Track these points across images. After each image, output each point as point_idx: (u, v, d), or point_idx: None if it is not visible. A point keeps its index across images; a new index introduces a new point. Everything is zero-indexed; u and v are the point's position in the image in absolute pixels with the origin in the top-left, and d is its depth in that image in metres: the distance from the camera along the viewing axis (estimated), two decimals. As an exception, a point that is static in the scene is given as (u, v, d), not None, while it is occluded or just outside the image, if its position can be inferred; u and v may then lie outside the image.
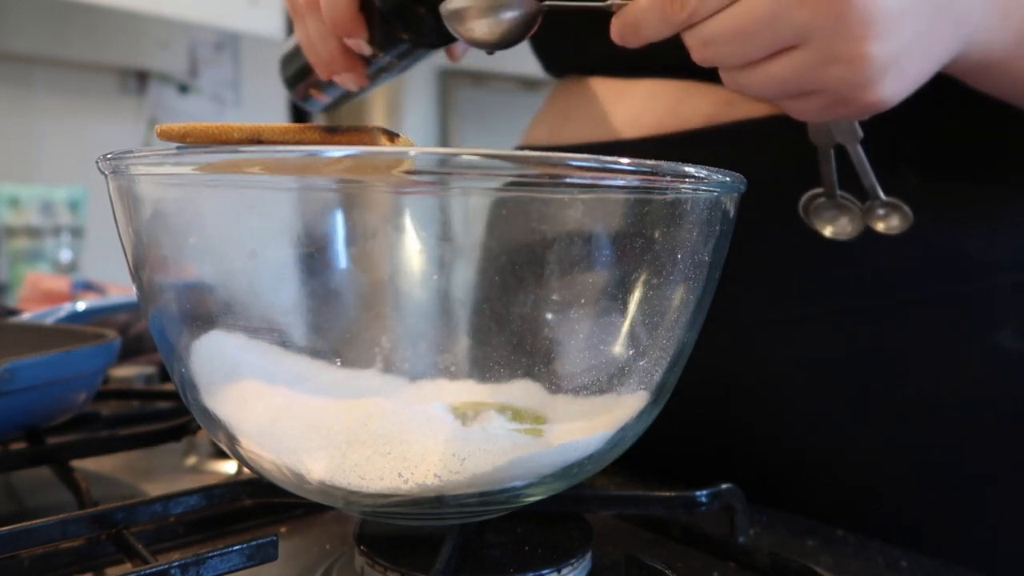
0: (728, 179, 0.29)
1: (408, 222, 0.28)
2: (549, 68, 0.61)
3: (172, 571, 0.29)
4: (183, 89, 2.14)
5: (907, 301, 0.46)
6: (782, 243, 0.47)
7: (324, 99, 0.53)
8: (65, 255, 1.54)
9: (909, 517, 0.47)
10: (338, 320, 0.29)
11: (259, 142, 0.27)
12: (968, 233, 0.45)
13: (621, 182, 0.27)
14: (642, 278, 0.29)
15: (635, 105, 0.51)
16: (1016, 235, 0.45)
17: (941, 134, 0.45)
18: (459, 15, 0.35)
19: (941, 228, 0.45)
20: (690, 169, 0.28)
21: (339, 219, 0.27)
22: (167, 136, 0.28)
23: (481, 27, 0.35)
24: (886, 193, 0.42)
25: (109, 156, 0.28)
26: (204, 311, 0.29)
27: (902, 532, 0.46)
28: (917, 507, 0.47)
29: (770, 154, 0.45)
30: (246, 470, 0.38)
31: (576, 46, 0.56)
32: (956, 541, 0.47)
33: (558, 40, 0.58)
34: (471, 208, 0.28)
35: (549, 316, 0.29)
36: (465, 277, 0.30)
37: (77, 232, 1.57)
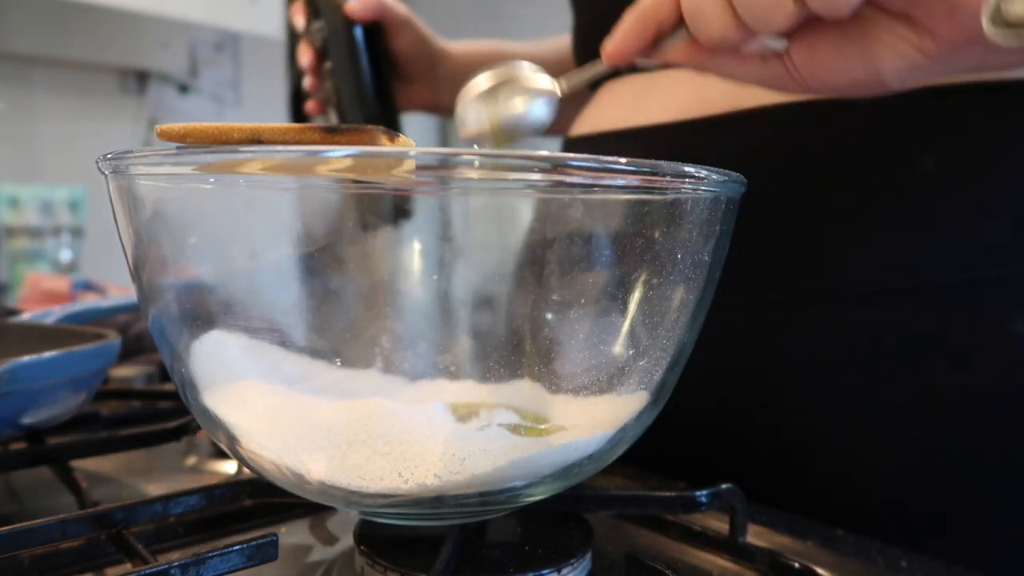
0: (728, 179, 0.29)
1: (408, 222, 0.28)
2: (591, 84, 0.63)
3: (172, 571, 0.29)
4: (183, 89, 2.14)
5: (922, 287, 0.45)
6: (797, 225, 0.47)
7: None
8: (65, 255, 1.54)
9: (911, 515, 0.47)
10: (338, 320, 0.29)
11: (259, 142, 0.27)
12: (986, 218, 0.44)
13: (621, 182, 0.27)
14: (642, 278, 0.29)
15: (662, 93, 0.52)
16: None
17: (957, 117, 0.44)
18: (473, 139, 0.36)
19: (957, 212, 0.44)
20: (690, 169, 0.28)
21: (339, 219, 0.27)
22: (167, 136, 0.28)
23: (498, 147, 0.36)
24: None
25: (109, 156, 0.28)
26: (204, 311, 0.29)
27: (902, 531, 0.46)
28: (919, 505, 0.47)
29: (789, 136, 0.46)
30: (246, 470, 0.38)
31: (591, 52, 0.57)
32: (957, 540, 0.47)
33: (585, 48, 0.60)
34: (471, 208, 0.28)
35: (549, 316, 0.29)
36: (465, 277, 0.30)
37: (77, 232, 1.57)
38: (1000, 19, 0.30)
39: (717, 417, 0.51)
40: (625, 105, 0.55)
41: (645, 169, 0.26)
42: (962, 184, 0.45)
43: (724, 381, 0.50)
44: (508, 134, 0.35)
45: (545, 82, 0.36)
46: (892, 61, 0.33)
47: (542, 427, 0.30)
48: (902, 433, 0.47)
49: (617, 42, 0.37)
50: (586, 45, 0.62)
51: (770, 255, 0.48)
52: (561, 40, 0.78)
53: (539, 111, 0.34)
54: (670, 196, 0.28)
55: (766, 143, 0.47)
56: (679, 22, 0.36)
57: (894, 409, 0.47)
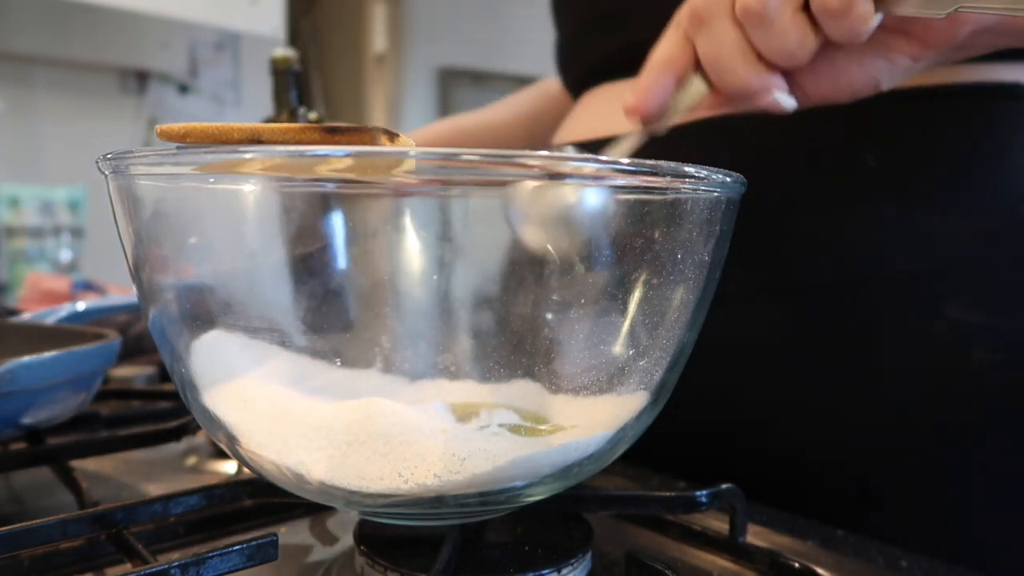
0: (728, 179, 0.30)
1: (408, 222, 0.28)
2: (572, 92, 0.65)
3: (172, 571, 0.29)
4: (183, 89, 2.14)
5: (868, 277, 0.47)
6: (747, 222, 0.49)
7: None
8: (65, 255, 1.54)
9: (889, 505, 0.48)
10: (338, 320, 0.29)
11: (259, 142, 0.27)
12: (925, 211, 0.47)
13: (621, 182, 0.27)
14: (642, 278, 0.29)
15: None
16: (969, 214, 0.46)
17: (898, 118, 0.47)
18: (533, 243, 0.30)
19: (899, 206, 0.47)
20: (690, 169, 0.28)
21: (339, 219, 0.27)
22: (167, 136, 0.28)
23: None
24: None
25: (109, 156, 0.28)
26: (204, 311, 0.29)
27: (872, 517, 0.47)
28: (890, 494, 0.48)
29: (752, 141, 0.48)
30: (246, 470, 0.38)
31: (578, 58, 0.61)
32: (956, 537, 0.47)
33: (568, 59, 0.63)
34: (471, 208, 0.28)
35: (549, 316, 0.29)
36: (465, 277, 0.30)
37: (77, 232, 1.58)
38: None
39: (713, 416, 0.52)
40: (604, 114, 0.56)
41: (645, 169, 0.26)
42: (899, 184, 0.47)
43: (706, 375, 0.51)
44: (567, 225, 0.31)
45: None
46: (888, 70, 0.37)
47: (542, 427, 0.30)
48: (861, 417, 0.48)
49: (639, 96, 0.38)
50: (566, 61, 0.64)
51: (740, 250, 0.49)
52: (515, 101, 0.79)
53: (593, 198, 0.30)
54: (670, 196, 0.28)
55: (731, 149, 0.49)
56: (694, 70, 0.37)
57: (845, 394, 0.48)
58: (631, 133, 0.38)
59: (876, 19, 0.33)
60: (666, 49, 0.38)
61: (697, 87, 0.37)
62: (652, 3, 0.53)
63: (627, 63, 0.53)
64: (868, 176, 0.46)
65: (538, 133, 0.76)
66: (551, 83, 0.77)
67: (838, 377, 0.48)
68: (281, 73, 0.70)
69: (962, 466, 0.47)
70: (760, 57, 0.35)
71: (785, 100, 0.37)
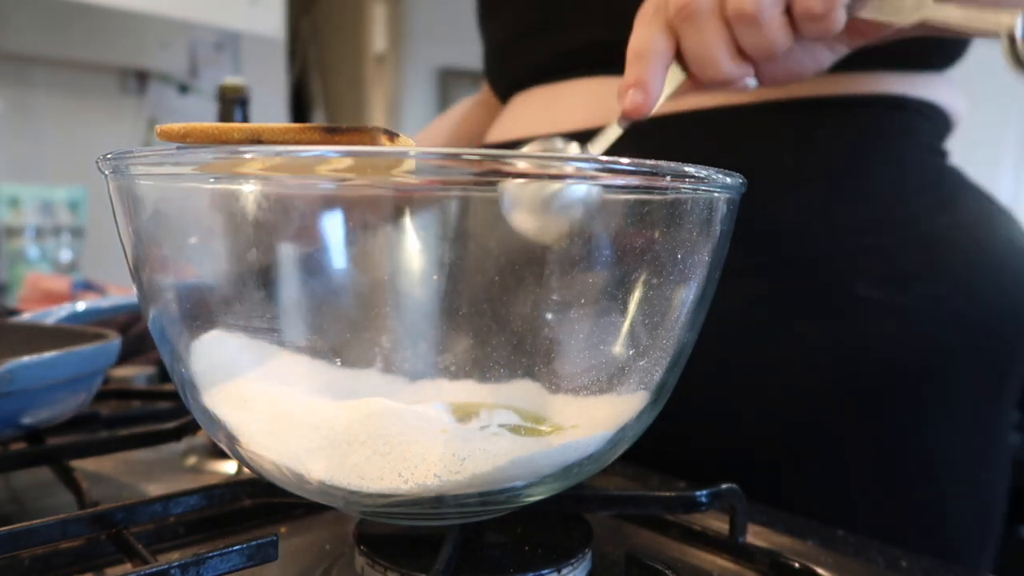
0: (729, 179, 0.30)
1: (408, 222, 0.28)
2: (501, 97, 0.68)
3: (172, 571, 0.29)
4: (183, 89, 2.14)
5: (792, 259, 0.52)
6: None
7: None
8: (65, 255, 1.54)
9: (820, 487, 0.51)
10: (338, 320, 0.29)
11: (259, 142, 0.27)
12: (832, 202, 0.52)
13: (621, 182, 0.27)
14: (642, 278, 0.29)
15: (569, 103, 0.57)
16: (866, 205, 0.52)
17: (808, 124, 0.52)
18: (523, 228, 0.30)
19: (812, 198, 0.52)
20: (690, 169, 0.28)
21: (339, 219, 0.27)
22: (167, 136, 0.28)
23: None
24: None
25: (109, 156, 0.28)
26: (204, 311, 0.29)
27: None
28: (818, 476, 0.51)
29: (681, 141, 0.53)
30: (246, 470, 0.38)
31: (507, 68, 0.65)
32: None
33: (496, 68, 0.67)
34: (471, 208, 0.28)
35: (549, 316, 0.29)
36: (465, 277, 0.30)
37: (77, 232, 1.58)
38: (1018, 58, 0.34)
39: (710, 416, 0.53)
40: (535, 114, 0.60)
41: (645, 169, 0.26)
42: (811, 179, 0.52)
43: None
44: (556, 211, 0.31)
45: (576, 152, 0.36)
46: (830, 56, 0.43)
47: (542, 427, 0.30)
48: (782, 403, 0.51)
49: (644, 93, 0.39)
50: (496, 69, 0.67)
51: None
52: (462, 111, 0.81)
53: (579, 185, 0.30)
54: (670, 196, 0.28)
55: (659, 148, 0.52)
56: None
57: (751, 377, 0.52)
58: (613, 125, 0.40)
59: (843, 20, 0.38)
60: (652, 41, 0.39)
61: (676, 75, 0.40)
62: (575, 14, 0.56)
63: (555, 70, 0.58)
64: (786, 172, 0.52)
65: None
66: (484, 94, 0.79)
67: (765, 351, 0.51)
68: (229, 101, 0.68)
69: (865, 433, 0.51)
70: (739, 51, 0.39)
71: (752, 84, 0.42)
